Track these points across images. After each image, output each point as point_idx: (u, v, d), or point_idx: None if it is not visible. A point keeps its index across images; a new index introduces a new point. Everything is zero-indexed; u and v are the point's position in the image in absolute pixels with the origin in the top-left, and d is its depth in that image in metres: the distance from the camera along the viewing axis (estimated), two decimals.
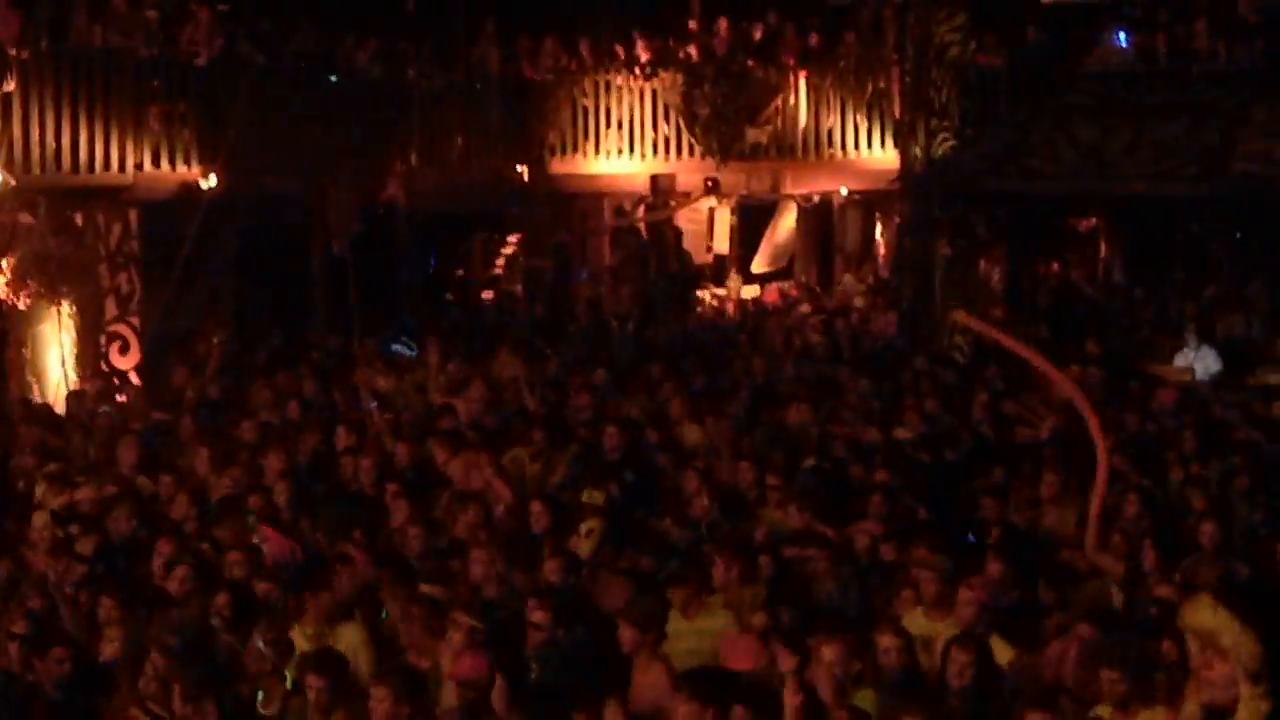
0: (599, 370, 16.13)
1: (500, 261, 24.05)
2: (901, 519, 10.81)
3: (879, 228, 25.59)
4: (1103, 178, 18.91)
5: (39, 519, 11.30)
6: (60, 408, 16.18)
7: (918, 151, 20.11)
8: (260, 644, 8.97)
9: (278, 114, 19.24)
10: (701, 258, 25.39)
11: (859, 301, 23.18)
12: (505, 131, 22.70)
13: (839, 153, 22.65)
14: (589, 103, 23.08)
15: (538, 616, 8.77)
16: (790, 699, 7.35)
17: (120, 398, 16.81)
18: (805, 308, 22.78)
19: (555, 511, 10.88)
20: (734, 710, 7.11)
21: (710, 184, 23.09)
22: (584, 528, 10.72)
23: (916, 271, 20.11)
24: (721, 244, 25.24)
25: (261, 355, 17.71)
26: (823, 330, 20.10)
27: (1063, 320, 20.11)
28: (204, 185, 18.29)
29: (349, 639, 9.13)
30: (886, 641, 8.15)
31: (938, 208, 19.71)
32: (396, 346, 18.47)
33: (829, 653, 7.76)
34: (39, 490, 12.28)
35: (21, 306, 17.18)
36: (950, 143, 19.94)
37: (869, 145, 22.49)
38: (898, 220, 22.48)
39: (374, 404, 14.54)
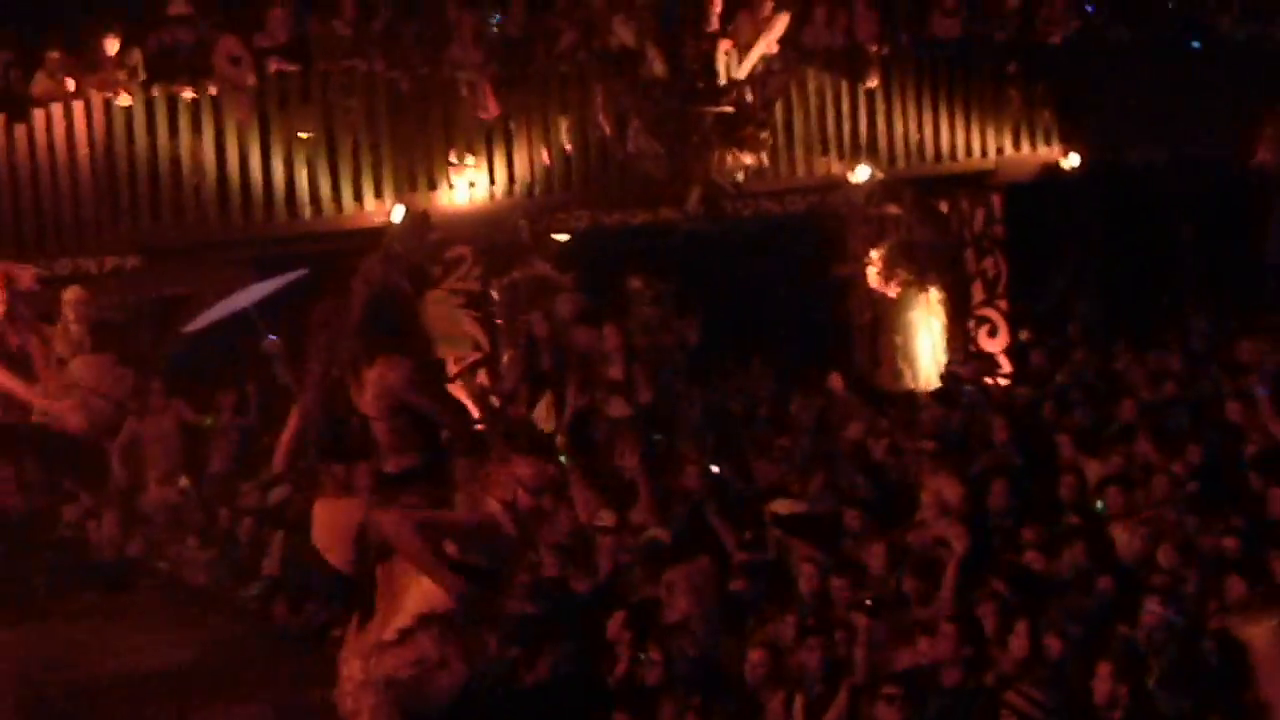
0: None
1: None
2: None
3: None
4: None
5: (926, 498, 11.68)
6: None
7: None
8: None
9: (1138, 86, 18.77)
10: None
11: None
12: None
13: None
14: None
15: None
16: None
17: (990, 380, 16.98)
18: None
19: None
20: None
21: None
22: None
23: None
24: None
25: (1130, 334, 17.33)
26: None
27: None
28: (1065, 164, 18.18)
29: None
30: None
31: None
32: None
33: None
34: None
35: (892, 295, 17.69)
36: None
37: None
38: None
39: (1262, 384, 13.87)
